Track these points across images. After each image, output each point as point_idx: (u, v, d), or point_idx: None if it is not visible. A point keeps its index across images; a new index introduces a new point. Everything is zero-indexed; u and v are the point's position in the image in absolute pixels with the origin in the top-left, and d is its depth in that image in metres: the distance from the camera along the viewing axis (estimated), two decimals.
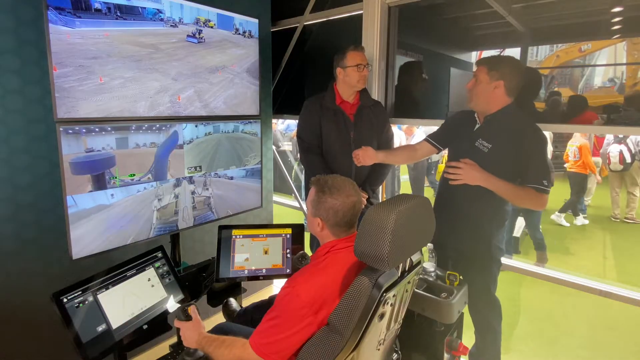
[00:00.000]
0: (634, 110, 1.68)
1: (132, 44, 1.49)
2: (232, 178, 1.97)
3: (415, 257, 1.18)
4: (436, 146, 1.85)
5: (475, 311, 1.76)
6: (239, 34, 1.89)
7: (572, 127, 1.90)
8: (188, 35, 1.68)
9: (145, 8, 1.51)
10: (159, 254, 1.58)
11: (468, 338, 1.79)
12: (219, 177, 1.90)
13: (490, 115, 1.61)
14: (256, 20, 1.96)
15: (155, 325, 1.44)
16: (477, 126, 1.66)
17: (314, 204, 1.19)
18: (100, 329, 1.29)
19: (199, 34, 1.71)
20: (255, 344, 1.06)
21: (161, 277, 1.53)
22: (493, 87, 1.56)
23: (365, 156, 1.81)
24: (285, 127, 7.41)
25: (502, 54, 2.10)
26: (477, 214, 1.66)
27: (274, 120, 3.29)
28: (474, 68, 1.65)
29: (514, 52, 2.06)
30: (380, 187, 2.21)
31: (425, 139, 1.88)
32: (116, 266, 1.42)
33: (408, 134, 5.35)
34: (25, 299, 1.63)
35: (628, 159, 5.11)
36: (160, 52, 1.58)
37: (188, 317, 1.22)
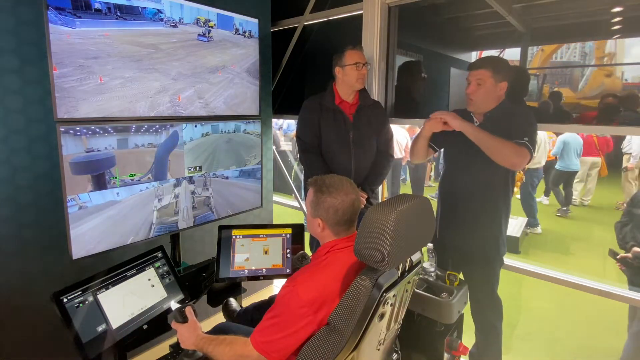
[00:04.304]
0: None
1: (132, 44, 1.49)
2: (229, 178, 1.97)
3: (415, 257, 1.18)
4: (432, 147, 1.85)
5: (477, 310, 1.76)
6: (239, 34, 1.89)
7: (572, 127, 1.91)
8: (199, 35, 1.70)
9: (145, 8, 1.51)
10: (159, 254, 1.58)
11: (468, 338, 1.79)
12: (219, 177, 1.90)
13: (489, 112, 1.63)
14: (256, 20, 1.96)
15: (155, 325, 1.44)
16: (476, 124, 1.67)
17: (313, 204, 1.19)
18: (100, 329, 1.29)
19: (209, 33, 1.73)
20: (256, 342, 1.06)
21: (161, 277, 1.53)
22: (499, 90, 1.58)
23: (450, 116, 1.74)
24: (285, 126, 7.39)
25: (501, 55, 2.10)
26: (483, 211, 1.66)
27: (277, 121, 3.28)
28: (472, 71, 1.65)
29: (514, 52, 2.06)
30: (380, 187, 2.21)
31: None
32: (116, 266, 1.42)
33: (411, 133, 5.35)
34: (25, 299, 1.62)
35: None
36: (160, 52, 1.58)
37: (185, 319, 1.22)
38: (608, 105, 1.90)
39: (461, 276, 1.67)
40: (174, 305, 1.49)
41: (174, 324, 1.24)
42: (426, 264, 1.69)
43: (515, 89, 1.67)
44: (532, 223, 4.88)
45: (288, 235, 1.78)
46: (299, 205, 3.14)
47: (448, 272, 1.63)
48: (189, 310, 1.24)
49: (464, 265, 1.76)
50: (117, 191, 1.51)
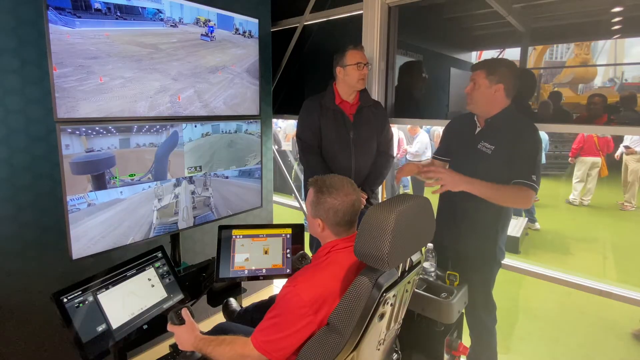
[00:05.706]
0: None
1: (132, 44, 1.49)
2: (229, 178, 1.97)
3: (415, 257, 1.18)
4: (443, 160, 1.89)
5: (472, 313, 1.76)
6: (239, 34, 1.89)
7: (572, 127, 1.90)
8: (202, 35, 1.71)
9: (145, 8, 1.51)
10: (159, 254, 1.58)
11: (468, 338, 1.79)
12: (219, 177, 1.90)
13: (490, 117, 1.62)
14: (256, 20, 1.96)
15: (155, 325, 1.44)
16: (478, 129, 1.67)
17: (313, 204, 1.19)
18: (100, 329, 1.29)
19: (211, 32, 1.73)
20: (256, 342, 1.06)
21: (161, 277, 1.53)
22: (493, 91, 1.57)
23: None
24: (283, 126, 7.36)
25: (500, 56, 2.10)
26: (483, 214, 1.66)
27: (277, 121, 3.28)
28: (472, 72, 1.65)
29: (514, 52, 2.06)
30: (380, 187, 2.21)
31: (433, 157, 1.93)
32: (116, 266, 1.42)
33: (412, 133, 5.35)
34: (25, 299, 1.62)
35: None
36: (160, 52, 1.58)
37: (181, 321, 1.22)
38: (595, 104, 1.92)
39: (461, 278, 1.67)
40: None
41: (170, 327, 1.23)
42: (426, 264, 1.69)
43: (520, 92, 1.66)
44: (531, 219, 4.92)
45: (288, 235, 1.78)
46: (299, 205, 3.15)
47: (448, 272, 1.63)
48: (185, 312, 1.23)
49: (461, 266, 1.75)
50: (120, 190, 1.51)
